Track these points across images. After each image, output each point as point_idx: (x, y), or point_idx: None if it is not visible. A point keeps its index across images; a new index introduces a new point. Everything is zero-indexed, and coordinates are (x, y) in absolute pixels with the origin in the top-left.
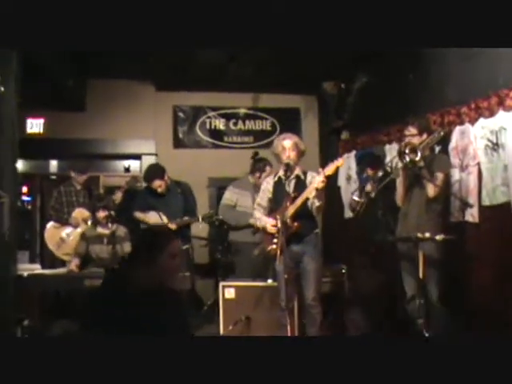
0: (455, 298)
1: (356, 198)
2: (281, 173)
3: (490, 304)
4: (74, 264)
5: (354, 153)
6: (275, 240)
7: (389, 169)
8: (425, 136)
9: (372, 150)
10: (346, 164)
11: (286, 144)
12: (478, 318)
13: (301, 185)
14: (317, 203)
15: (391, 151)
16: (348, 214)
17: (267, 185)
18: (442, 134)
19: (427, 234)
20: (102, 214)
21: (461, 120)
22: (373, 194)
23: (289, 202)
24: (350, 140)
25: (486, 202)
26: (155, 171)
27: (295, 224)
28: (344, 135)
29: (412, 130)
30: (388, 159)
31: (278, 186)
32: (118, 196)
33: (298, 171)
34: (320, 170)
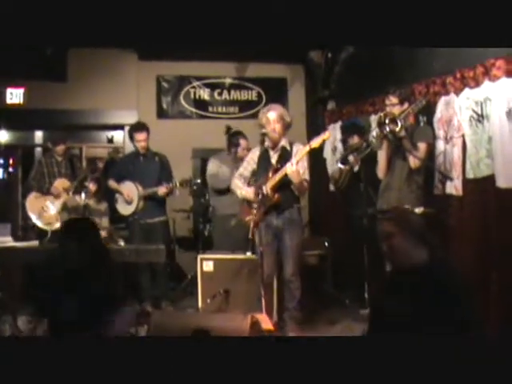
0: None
1: (341, 166)
2: (266, 143)
3: (471, 279)
4: None
5: (339, 123)
6: (254, 211)
7: (373, 139)
8: (406, 105)
9: (357, 120)
10: (332, 135)
11: (271, 116)
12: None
13: (286, 156)
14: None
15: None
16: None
17: (252, 155)
18: (423, 102)
19: (406, 207)
20: (92, 186)
21: (446, 90)
22: (356, 168)
23: (271, 172)
24: (336, 110)
25: (470, 174)
26: (139, 124)
27: (276, 196)
28: (330, 105)
29: (392, 100)
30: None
31: (263, 157)
32: (99, 166)
33: (283, 142)
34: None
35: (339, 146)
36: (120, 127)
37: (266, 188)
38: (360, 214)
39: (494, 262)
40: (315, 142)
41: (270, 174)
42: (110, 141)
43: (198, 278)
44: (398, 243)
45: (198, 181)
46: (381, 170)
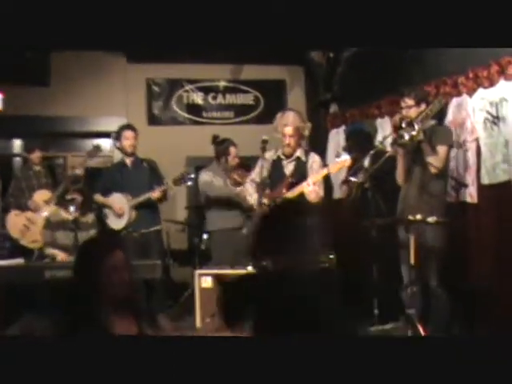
0: (454, 284)
1: (353, 179)
2: (280, 152)
3: (489, 290)
4: (60, 256)
5: (343, 128)
6: None
7: (379, 145)
8: (423, 106)
9: (362, 125)
10: (335, 140)
11: (287, 130)
12: (477, 303)
13: (301, 168)
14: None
15: (383, 126)
16: (337, 194)
17: (265, 162)
18: (442, 102)
19: (418, 216)
20: (78, 198)
21: (458, 91)
22: (367, 184)
23: (285, 186)
24: (339, 114)
25: (486, 180)
26: (127, 124)
27: None
28: (332, 109)
29: (408, 102)
30: (380, 134)
31: (276, 165)
32: (79, 174)
33: (298, 153)
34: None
35: (343, 152)
36: (107, 135)
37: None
38: (368, 224)
39: None
40: (334, 167)
41: (284, 189)
42: (97, 149)
43: (196, 295)
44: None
45: (193, 175)
46: (399, 176)
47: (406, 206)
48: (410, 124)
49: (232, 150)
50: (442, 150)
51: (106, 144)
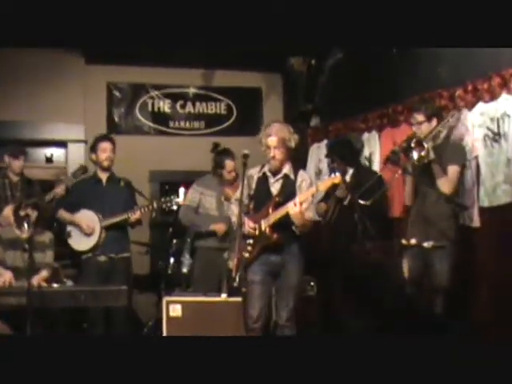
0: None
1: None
2: (266, 168)
3: (489, 323)
4: (6, 277)
5: (325, 142)
6: (249, 248)
7: (367, 162)
8: (435, 122)
9: (346, 139)
10: (316, 156)
11: (271, 142)
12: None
13: (288, 187)
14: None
15: (370, 141)
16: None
17: (250, 179)
18: (456, 117)
19: (413, 241)
20: (32, 214)
21: (455, 105)
22: (346, 201)
23: (271, 206)
24: (321, 127)
25: (485, 202)
26: (104, 135)
27: (275, 235)
28: (314, 121)
29: (418, 117)
30: (367, 150)
31: (262, 183)
32: (60, 189)
33: (286, 170)
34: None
35: (324, 167)
36: (62, 144)
37: (264, 225)
38: (356, 249)
39: None
40: (323, 185)
41: (270, 210)
42: (49, 160)
43: (164, 324)
44: None
45: (179, 199)
46: (407, 196)
47: (411, 230)
48: (419, 143)
49: (228, 163)
50: (452, 170)
51: (59, 154)
